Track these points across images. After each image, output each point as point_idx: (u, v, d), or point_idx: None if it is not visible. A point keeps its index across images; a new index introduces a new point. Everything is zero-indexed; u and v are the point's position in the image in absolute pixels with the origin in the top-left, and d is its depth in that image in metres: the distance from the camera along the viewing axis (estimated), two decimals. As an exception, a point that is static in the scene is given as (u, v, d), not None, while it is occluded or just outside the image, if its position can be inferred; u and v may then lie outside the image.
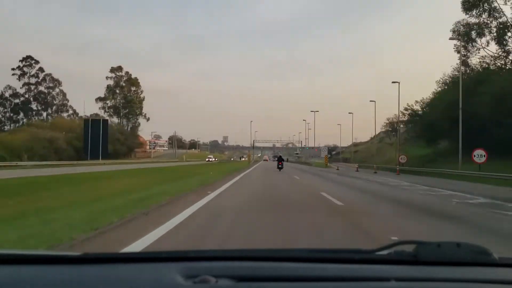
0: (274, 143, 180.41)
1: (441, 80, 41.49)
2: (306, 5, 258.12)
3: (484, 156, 24.72)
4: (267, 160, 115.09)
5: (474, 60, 38.20)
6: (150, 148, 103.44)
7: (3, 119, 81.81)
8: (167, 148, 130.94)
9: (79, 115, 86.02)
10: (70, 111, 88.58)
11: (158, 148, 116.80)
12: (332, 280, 1.09)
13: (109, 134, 66.47)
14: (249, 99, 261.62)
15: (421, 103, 43.51)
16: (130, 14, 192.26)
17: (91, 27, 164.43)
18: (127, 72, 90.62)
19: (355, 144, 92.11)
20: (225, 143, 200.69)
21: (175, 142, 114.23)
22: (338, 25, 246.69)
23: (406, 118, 46.40)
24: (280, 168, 34.98)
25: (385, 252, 1.26)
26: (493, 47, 36.60)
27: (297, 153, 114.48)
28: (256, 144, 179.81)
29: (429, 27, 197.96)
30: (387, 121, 69.91)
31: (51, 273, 1.16)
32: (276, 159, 54.58)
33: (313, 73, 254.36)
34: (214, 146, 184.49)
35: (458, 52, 35.47)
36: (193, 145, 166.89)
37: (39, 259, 1.29)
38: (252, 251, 1.47)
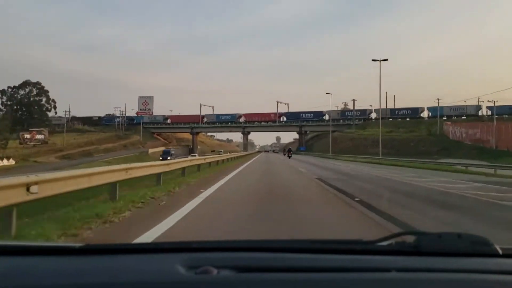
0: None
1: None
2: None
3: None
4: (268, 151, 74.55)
5: None
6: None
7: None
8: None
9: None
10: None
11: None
12: (334, 271, 1.09)
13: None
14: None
15: None
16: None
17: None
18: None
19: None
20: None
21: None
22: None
23: None
24: None
25: (386, 243, 1.27)
26: None
27: None
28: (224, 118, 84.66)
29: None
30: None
31: (52, 264, 1.15)
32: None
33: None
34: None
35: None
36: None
37: (39, 250, 1.29)
38: (254, 242, 1.49)
